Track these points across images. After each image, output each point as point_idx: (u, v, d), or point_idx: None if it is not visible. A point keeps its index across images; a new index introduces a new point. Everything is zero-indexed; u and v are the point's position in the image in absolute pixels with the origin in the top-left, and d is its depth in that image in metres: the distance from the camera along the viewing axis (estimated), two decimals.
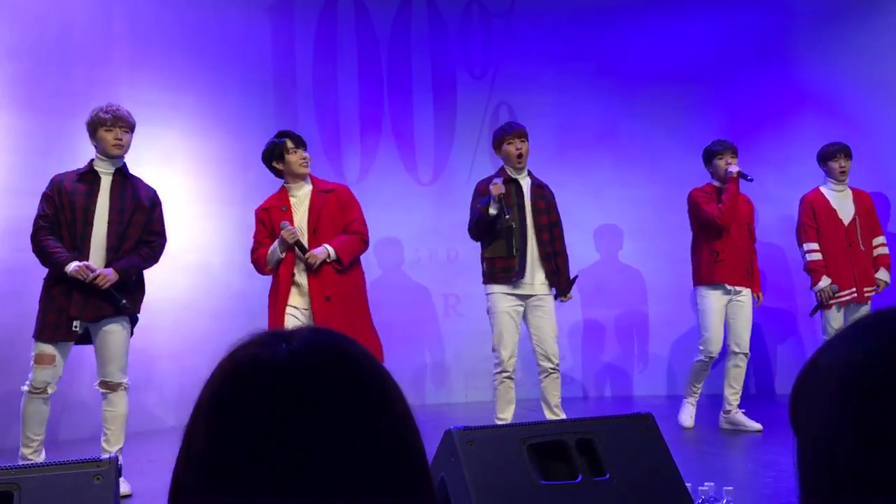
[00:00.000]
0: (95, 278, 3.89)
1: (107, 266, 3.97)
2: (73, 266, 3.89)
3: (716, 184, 5.14)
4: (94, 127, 4.09)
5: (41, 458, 3.95)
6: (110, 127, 4.05)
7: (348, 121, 6.75)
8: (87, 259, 3.95)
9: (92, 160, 4.12)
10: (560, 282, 4.71)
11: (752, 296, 5.23)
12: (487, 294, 4.70)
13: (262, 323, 5.65)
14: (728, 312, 5.15)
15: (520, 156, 4.67)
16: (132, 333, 4.15)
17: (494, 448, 2.37)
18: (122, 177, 4.12)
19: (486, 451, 2.35)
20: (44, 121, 5.50)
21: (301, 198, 4.37)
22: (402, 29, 6.97)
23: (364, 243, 4.40)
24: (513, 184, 4.67)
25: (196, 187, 6.24)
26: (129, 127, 4.12)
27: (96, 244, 3.99)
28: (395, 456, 0.71)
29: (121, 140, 4.07)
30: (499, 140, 4.78)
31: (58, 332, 3.93)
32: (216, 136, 6.36)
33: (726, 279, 5.07)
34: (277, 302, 4.23)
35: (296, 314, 4.21)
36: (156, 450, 5.13)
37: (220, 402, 0.72)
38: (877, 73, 6.45)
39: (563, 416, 4.52)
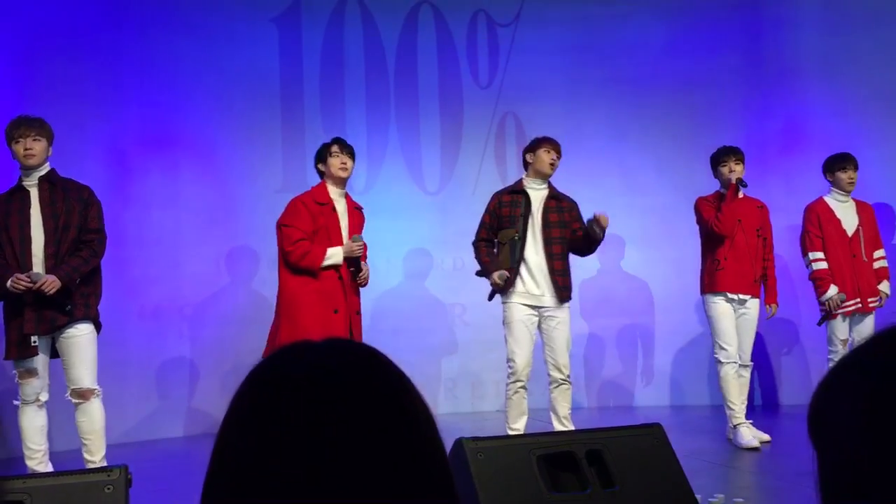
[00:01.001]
0: (41, 286, 3.80)
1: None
2: (9, 282, 3.82)
3: (722, 191, 5.12)
4: (7, 142, 4.00)
5: (47, 469, 3.94)
6: (17, 138, 3.95)
7: (355, 130, 6.77)
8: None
9: (20, 176, 4.04)
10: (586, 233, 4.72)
11: (766, 307, 5.17)
12: (503, 304, 4.74)
13: (268, 330, 5.66)
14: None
15: (552, 165, 4.77)
16: (96, 340, 4.07)
17: (504, 458, 2.37)
18: (50, 184, 4.00)
19: (495, 462, 2.35)
20: (53, 127, 5.52)
21: (342, 208, 4.52)
22: (408, 39, 6.99)
23: None
24: (523, 195, 4.75)
25: (203, 196, 6.26)
26: (40, 134, 3.97)
27: (37, 256, 3.92)
28: (421, 466, 0.73)
29: (31, 149, 3.93)
30: (536, 145, 4.84)
31: (21, 350, 3.89)
32: (223, 145, 6.38)
33: (728, 287, 5.02)
34: (341, 305, 4.36)
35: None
36: (162, 458, 5.13)
37: (252, 413, 0.73)
38: (881, 84, 6.45)
39: (572, 427, 4.55)
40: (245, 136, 6.43)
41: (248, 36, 6.52)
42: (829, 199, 5.31)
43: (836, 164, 5.27)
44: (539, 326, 4.72)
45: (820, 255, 5.20)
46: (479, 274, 4.89)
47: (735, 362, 5.00)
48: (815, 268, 5.21)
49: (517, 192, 4.76)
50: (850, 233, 5.23)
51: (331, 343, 0.77)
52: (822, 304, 5.20)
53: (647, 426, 2.60)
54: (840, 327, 5.14)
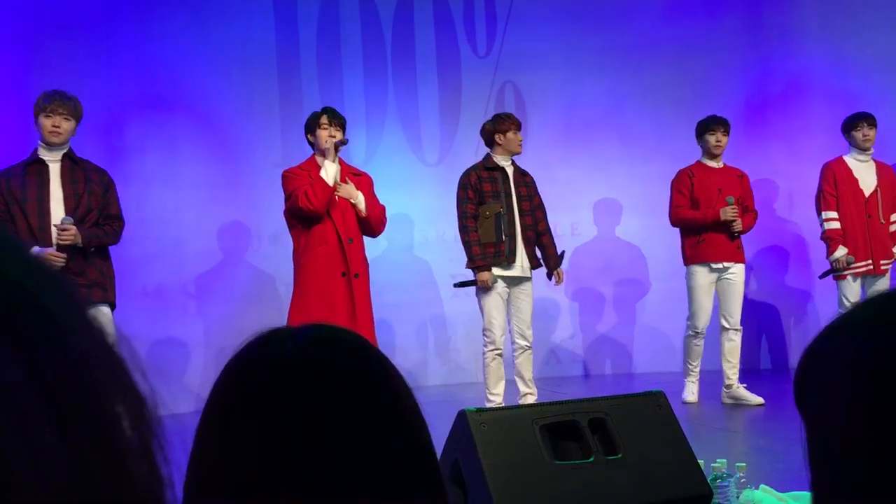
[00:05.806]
0: (65, 233, 3.71)
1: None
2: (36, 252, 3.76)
3: (704, 162, 5.23)
4: (36, 112, 3.92)
5: None
6: (49, 113, 3.86)
7: (353, 102, 6.74)
8: (50, 248, 3.77)
9: (36, 148, 3.96)
10: (547, 258, 4.96)
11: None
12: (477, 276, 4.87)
13: (271, 305, 5.66)
14: (718, 289, 5.21)
15: (520, 144, 4.95)
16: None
17: (507, 429, 2.39)
18: (72, 162, 3.94)
19: (499, 432, 2.37)
20: None
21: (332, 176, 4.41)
22: (405, 9, 6.93)
23: (383, 223, 4.56)
24: (499, 171, 4.89)
25: (202, 172, 6.25)
26: (72, 114, 3.90)
27: (55, 231, 3.80)
28: (403, 450, 0.72)
29: (58, 127, 3.86)
30: (503, 125, 4.93)
31: None
32: (221, 120, 6.35)
33: (710, 257, 5.13)
34: (342, 267, 4.23)
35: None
36: (173, 435, 5.18)
37: (230, 402, 0.72)
38: (884, 44, 6.39)
39: (536, 390, 4.89)
40: (243, 110, 6.40)
41: (243, 8, 6.46)
42: (848, 159, 5.30)
43: (850, 122, 5.28)
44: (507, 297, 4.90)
45: (833, 214, 5.21)
46: (469, 266, 4.88)
47: (699, 333, 5.19)
48: (826, 227, 5.24)
49: (493, 169, 4.89)
50: (867, 193, 5.23)
51: (315, 329, 0.76)
52: (830, 263, 5.25)
53: (649, 393, 2.61)
54: (850, 288, 5.16)
